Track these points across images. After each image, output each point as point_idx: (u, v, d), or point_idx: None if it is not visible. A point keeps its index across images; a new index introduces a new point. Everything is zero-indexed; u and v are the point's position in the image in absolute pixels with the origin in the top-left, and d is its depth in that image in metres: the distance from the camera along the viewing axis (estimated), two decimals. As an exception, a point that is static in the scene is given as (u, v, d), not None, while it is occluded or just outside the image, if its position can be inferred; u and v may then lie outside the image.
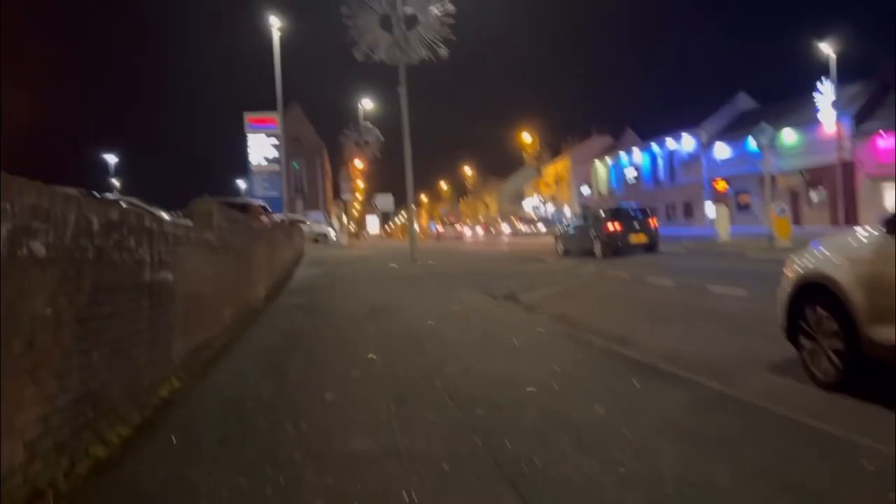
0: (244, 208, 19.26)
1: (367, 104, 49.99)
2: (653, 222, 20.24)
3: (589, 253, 19.42)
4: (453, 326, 6.84)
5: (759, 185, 47.26)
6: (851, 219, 32.82)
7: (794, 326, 4.35)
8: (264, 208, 19.81)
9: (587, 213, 23.48)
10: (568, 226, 23.52)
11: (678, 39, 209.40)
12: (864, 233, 4.09)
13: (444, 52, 19.02)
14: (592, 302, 9.46)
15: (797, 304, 4.34)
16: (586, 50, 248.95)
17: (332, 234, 40.68)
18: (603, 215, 20.23)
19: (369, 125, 50.88)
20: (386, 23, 18.37)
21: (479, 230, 64.80)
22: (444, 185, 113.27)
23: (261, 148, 55.08)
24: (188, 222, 5.56)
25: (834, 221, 35.19)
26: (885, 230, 3.68)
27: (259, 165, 55.73)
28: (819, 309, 4.09)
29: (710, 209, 51.30)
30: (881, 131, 32.35)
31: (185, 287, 4.83)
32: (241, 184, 61.44)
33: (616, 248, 18.96)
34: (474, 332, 6.41)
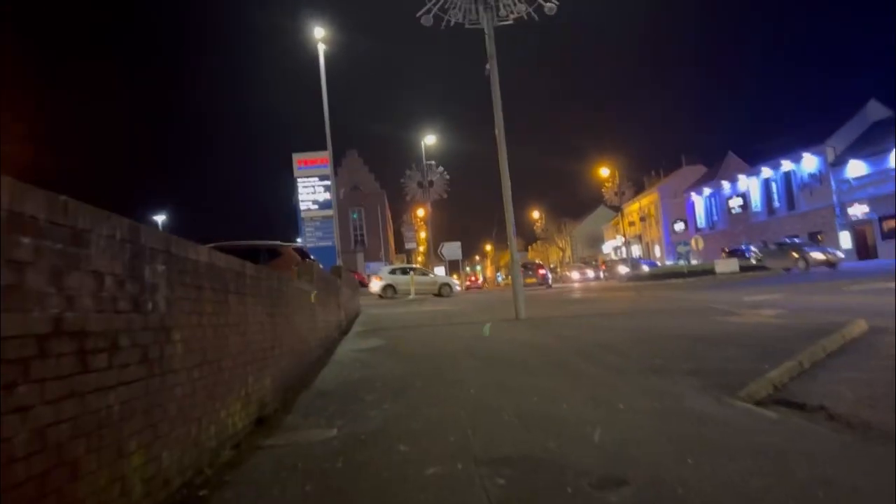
0: (273, 253, 13.45)
1: (429, 140, 44.98)
2: (540, 272, 34.91)
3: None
4: None
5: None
6: None
7: None
8: (301, 251, 13.87)
9: None
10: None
11: (784, 48, 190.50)
12: None
13: (550, 6, 13.11)
14: None
15: None
16: (668, 71, 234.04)
17: (402, 283, 34.42)
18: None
19: (433, 164, 45.68)
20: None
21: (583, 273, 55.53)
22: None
23: (312, 193, 49.91)
24: None
25: None
26: None
27: (309, 210, 50.27)
28: None
29: (844, 238, 42.78)
30: None
31: None
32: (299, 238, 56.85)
33: None
34: None
